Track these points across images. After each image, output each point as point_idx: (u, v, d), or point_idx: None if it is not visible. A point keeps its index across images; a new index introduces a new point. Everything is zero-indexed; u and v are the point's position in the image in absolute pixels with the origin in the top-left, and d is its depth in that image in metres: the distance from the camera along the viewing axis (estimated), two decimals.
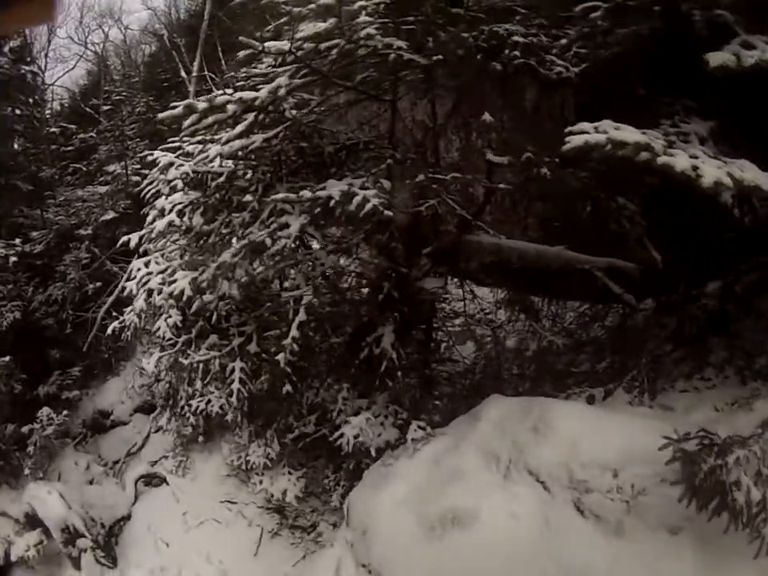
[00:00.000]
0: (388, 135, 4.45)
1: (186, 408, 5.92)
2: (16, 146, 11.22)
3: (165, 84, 13.00)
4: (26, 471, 6.42)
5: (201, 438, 6.58)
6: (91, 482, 6.90)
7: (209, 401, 4.90)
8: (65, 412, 7.23)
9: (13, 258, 8.05)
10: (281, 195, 3.72)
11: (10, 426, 7.01)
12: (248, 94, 3.68)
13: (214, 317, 4.66)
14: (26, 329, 8.31)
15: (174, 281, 4.28)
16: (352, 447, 4.42)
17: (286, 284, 4.52)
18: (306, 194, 3.61)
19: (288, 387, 4.41)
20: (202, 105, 3.75)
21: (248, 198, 4.31)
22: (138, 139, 10.20)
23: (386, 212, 3.54)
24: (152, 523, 6.34)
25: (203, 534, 6.04)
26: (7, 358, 6.31)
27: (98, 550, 5.96)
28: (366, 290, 4.54)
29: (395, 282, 4.50)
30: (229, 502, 6.18)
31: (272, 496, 5.41)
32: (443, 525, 3.47)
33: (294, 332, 3.96)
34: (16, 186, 9.63)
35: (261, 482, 5.32)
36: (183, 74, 12.48)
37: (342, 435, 4.44)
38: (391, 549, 3.72)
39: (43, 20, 0.88)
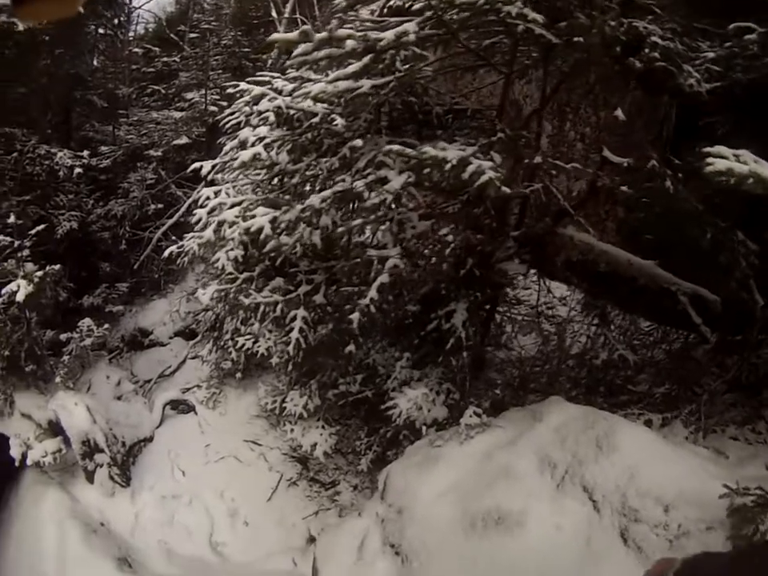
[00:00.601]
0: (498, 108, 4.23)
1: (230, 342, 5.89)
2: (96, 62, 11.29)
3: (254, 21, 12.80)
4: (58, 379, 6.39)
5: (238, 375, 6.58)
6: (119, 398, 6.88)
7: (256, 340, 4.78)
8: (106, 325, 7.22)
9: (77, 170, 7.98)
10: (395, 147, 3.52)
11: (49, 331, 7.03)
12: (374, 33, 3.46)
13: (280, 259, 4.53)
14: (81, 240, 8.37)
15: (253, 216, 4.12)
16: (402, 421, 4.28)
17: (375, 240, 4.36)
18: (421, 150, 3.40)
19: (352, 347, 4.25)
20: (319, 35, 3.55)
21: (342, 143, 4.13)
22: (220, 71, 10.08)
23: (503, 188, 3.32)
24: (172, 450, 6.35)
25: (221, 470, 6.05)
26: (57, 266, 6.17)
27: (114, 467, 5.95)
28: (448, 261, 4.34)
29: (479, 259, 4.32)
30: (253, 442, 6.18)
31: (299, 447, 5.32)
32: (486, 523, 3.31)
33: (373, 293, 3.76)
34: (91, 101, 9.65)
35: (292, 430, 5.21)
36: (274, 13, 12.22)
37: (394, 406, 4.28)
38: (426, 536, 3.56)
39: (66, 13, 0.92)
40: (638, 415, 4.41)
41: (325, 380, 5.04)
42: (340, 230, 3.99)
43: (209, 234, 4.49)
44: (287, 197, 4.48)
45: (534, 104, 4.57)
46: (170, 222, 8.02)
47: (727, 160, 2.90)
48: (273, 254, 4.60)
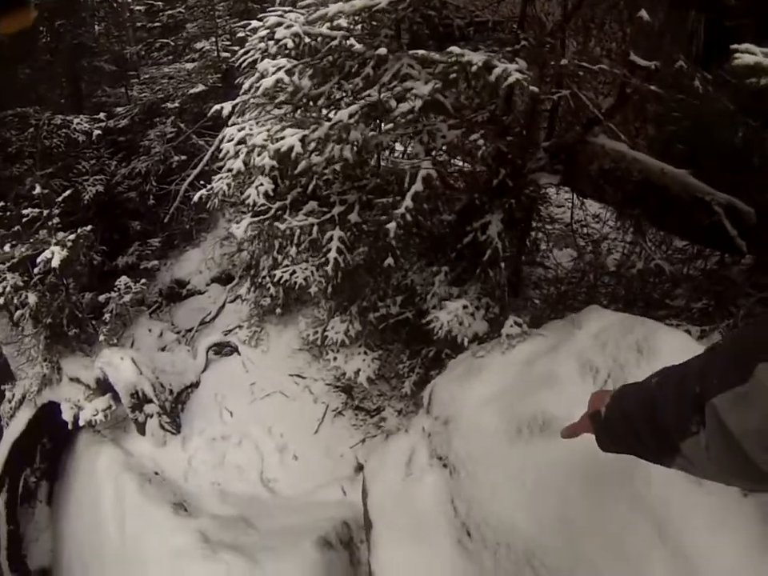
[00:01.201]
0: (519, 20, 4.12)
1: (268, 278, 5.90)
2: (98, 28, 11.11)
3: None
4: (101, 338, 6.49)
5: (278, 311, 6.61)
6: (163, 349, 7.00)
7: (293, 272, 4.76)
8: (142, 280, 7.28)
9: (96, 132, 7.98)
10: (420, 52, 3.44)
11: (87, 295, 7.12)
12: None
13: (312, 184, 4.50)
14: (109, 202, 8.42)
15: (282, 138, 4.08)
16: (443, 334, 4.22)
17: (406, 150, 4.28)
18: (446, 52, 3.32)
19: (390, 260, 4.17)
20: None
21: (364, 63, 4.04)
22: (227, 17, 9.91)
23: (532, 87, 3.25)
24: (219, 392, 6.45)
25: (268, 407, 6.14)
26: (88, 227, 6.21)
27: (163, 415, 6.07)
28: (480, 171, 4.28)
29: (511, 169, 4.26)
30: (298, 376, 6.25)
31: (343, 374, 5.33)
32: (531, 429, 3.26)
33: (408, 201, 3.70)
34: (99, 68, 9.70)
35: (335, 359, 5.21)
36: None
37: (435, 319, 4.23)
38: (473, 444, 3.51)
39: (22, 26, 1.10)
40: (676, 326, 4.36)
41: (365, 304, 5.01)
42: (371, 143, 3.94)
43: (238, 163, 4.42)
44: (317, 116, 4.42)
45: (557, 20, 4.47)
46: (195, 171, 7.99)
47: (755, 56, 2.82)
48: (304, 181, 4.59)
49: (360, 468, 5.45)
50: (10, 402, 6.77)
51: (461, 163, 4.83)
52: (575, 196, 5.31)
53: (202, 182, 7.16)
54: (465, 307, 4.26)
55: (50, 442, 7.27)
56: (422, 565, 3.44)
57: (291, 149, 3.92)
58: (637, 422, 1.54)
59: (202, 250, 8.25)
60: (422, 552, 3.48)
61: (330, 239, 4.20)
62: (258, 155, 4.33)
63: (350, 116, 3.72)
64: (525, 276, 5.32)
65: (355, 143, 3.88)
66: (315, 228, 4.28)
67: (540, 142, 4.54)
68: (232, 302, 7.37)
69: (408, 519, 3.69)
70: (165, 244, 8.67)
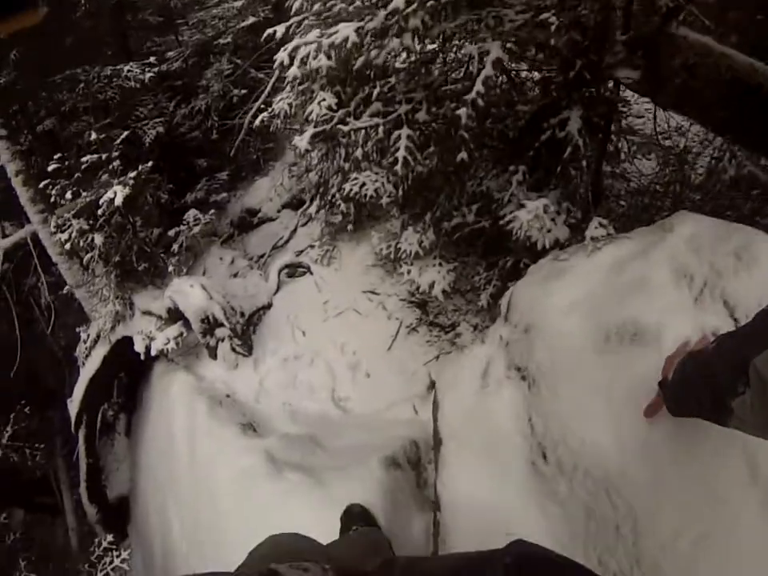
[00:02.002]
0: None
1: (337, 194, 5.80)
2: None
3: None
4: (170, 269, 6.55)
5: (350, 227, 6.52)
6: (235, 276, 7.01)
7: (363, 183, 4.63)
8: (211, 212, 7.33)
9: (149, 74, 7.89)
10: None
11: (155, 231, 7.16)
12: None
13: (376, 90, 4.34)
14: (172, 143, 8.42)
15: (336, 32, 3.90)
16: (523, 235, 4.03)
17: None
18: None
19: (463, 154, 3.93)
20: None
21: None
22: None
23: None
24: (291, 312, 6.42)
25: (340, 324, 6.07)
26: (149, 164, 6.21)
27: (235, 338, 6.08)
28: (554, 60, 4.03)
29: (587, 62, 3.99)
30: (371, 292, 6.15)
31: (417, 288, 5.19)
32: (620, 338, 3.01)
33: (479, 86, 3.47)
34: (145, 21, 9.51)
35: (408, 272, 5.07)
36: None
37: (514, 218, 4.02)
38: (556, 354, 3.29)
39: (29, 24, 1.11)
40: None
41: (438, 214, 4.85)
42: (433, 31, 3.74)
43: (293, 70, 4.29)
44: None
45: None
46: (257, 103, 7.87)
47: None
48: (367, 90, 4.43)
49: (433, 385, 5.34)
50: (85, 342, 6.94)
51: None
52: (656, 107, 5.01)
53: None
54: (546, 207, 4.02)
55: (127, 376, 7.59)
56: (490, 488, 3.31)
57: (346, 40, 3.76)
58: (697, 386, 1.66)
59: (271, 178, 8.13)
60: (492, 473, 3.36)
61: (398, 138, 4.04)
62: (314, 58, 4.19)
63: (408, 3, 3.53)
64: (605, 187, 5.05)
65: (416, 32, 3.67)
66: (381, 128, 4.13)
67: (616, 36, 4.24)
68: (304, 225, 7.26)
69: (480, 437, 3.55)
70: (233, 176, 8.61)
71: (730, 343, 1.53)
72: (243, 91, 8.48)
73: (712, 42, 4.24)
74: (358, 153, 4.32)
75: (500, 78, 4.06)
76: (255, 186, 8.37)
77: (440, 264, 4.97)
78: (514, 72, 4.66)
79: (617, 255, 3.48)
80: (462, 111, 3.48)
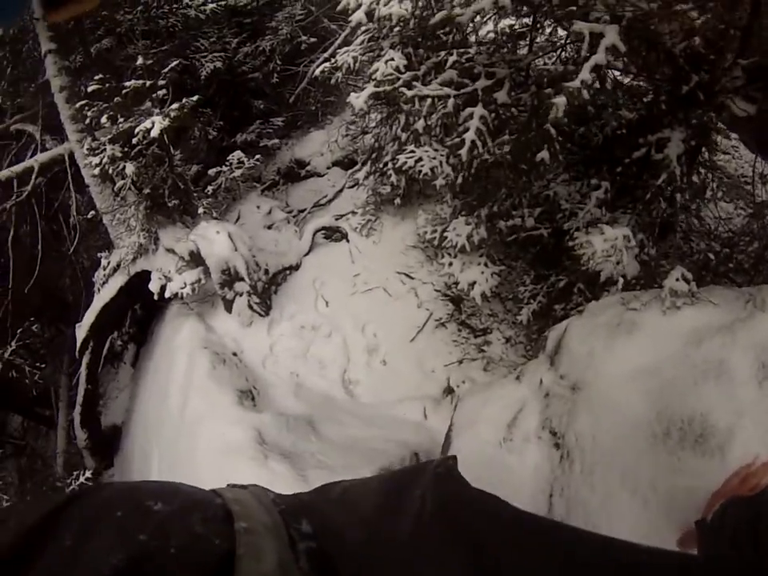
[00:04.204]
0: None
1: (390, 164, 5.38)
2: None
3: None
4: (200, 210, 6.21)
5: (397, 201, 6.09)
6: (269, 228, 6.68)
7: (419, 159, 4.18)
8: (257, 156, 6.90)
9: (215, 5, 7.49)
10: None
11: (193, 167, 6.87)
12: None
13: (452, 58, 3.85)
14: (230, 81, 8.05)
15: None
16: (593, 266, 3.51)
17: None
18: None
19: (545, 154, 3.41)
20: None
21: None
22: None
23: None
24: (318, 278, 6.06)
25: (367, 302, 5.69)
26: (195, 98, 5.85)
27: (253, 295, 5.77)
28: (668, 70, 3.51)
29: (706, 79, 3.46)
30: (406, 275, 5.75)
31: (455, 284, 4.73)
32: (683, 436, 2.46)
33: (585, 74, 2.88)
34: None
35: (450, 264, 4.61)
36: None
37: (587, 244, 3.47)
38: (601, 429, 2.74)
39: (89, 8, 1.13)
40: None
41: (496, 209, 4.36)
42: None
43: (359, 15, 3.84)
44: None
45: None
46: (325, 55, 7.46)
47: None
48: (443, 54, 3.96)
49: (449, 390, 4.94)
50: (104, 269, 6.76)
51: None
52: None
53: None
54: (626, 239, 3.49)
55: (142, 308, 7.50)
56: None
57: None
58: (739, 533, 1.45)
59: (326, 132, 7.79)
60: None
61: (470, 117, 3.55)
62: (385, 3, 3.72)
63: None
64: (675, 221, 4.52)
65: None
66: (451, 102, 3.63)
67: (739, 60, 3.68)
68: (351, 187, 6.87)
69: None
70: (288, 124, 8.27)
71: None
72: (313, 40, 8.09)
73: None
74: (419, 124, 3.85)
75: (607, 73, 3.52)
76: (309, 137, 8.04)
77: (486, 264, 4.49)
78: (619, 71, 4.10)
79: (697, 323, 2.82)
80: (560, 101, 2.89)
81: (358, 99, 4.05)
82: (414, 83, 3.76)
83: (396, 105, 4.07)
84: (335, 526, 0.86)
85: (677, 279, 3.06)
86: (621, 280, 3.60)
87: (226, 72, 7.93)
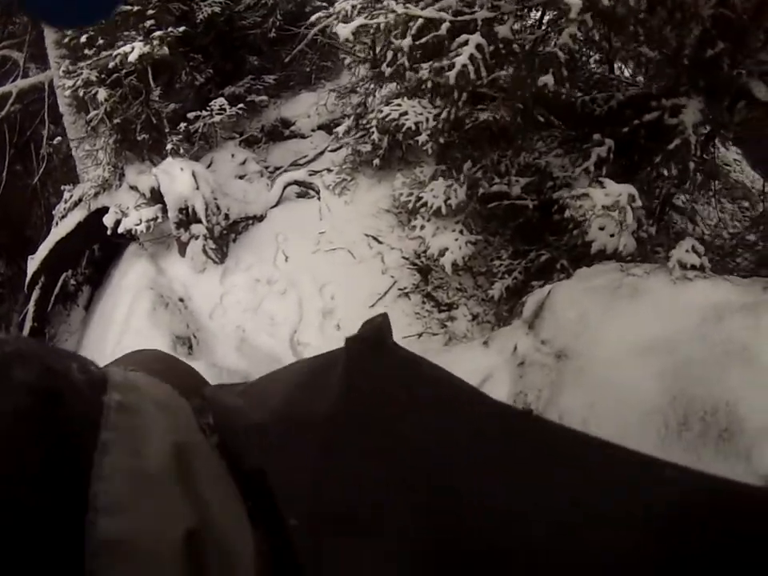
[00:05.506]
0: None
1: (374, 121, 5.00)
2: None
3: None
4: (168, 147, 5.81)
5: (376, 162, 5.71)
6: (241, 178, 6.31)
7: (405, 112, 3.86)
8: (239, 105, 6.59)
9: None
10: None
11: (171, 105, 6.48)
12: None
13: None
14: (227, 33, 7.69)
15: None
16: (585, 221, 3.17)
17: None
18: None
19: (549, 78, 3.08)
20: None
21: None
22: None
23: None
24: (282, 232, 5.68)
25: (329, 262, 5.32)
26: (181, 28, 5.73)
27: (209, 240, 5.41)
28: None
29: (730, 47, 3.14)
30: (374, 238, 5.37)
31: (425, 251, 4.41)
32: (705, 429, 2.11)
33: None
34: None
35: (422, 227, 4.25)
36: None
37: (584, 197, 3.12)
38: (598, 409, 2.36)
39: None
40: None
41: (478, 174, 3.99)
42: None
43: None
44: None
45: None
46: (329, 19, 7.13)
47: None
48: None
49: None
50: (66, 202, 6.44)
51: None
52: None
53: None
54: (631, 197, 3.10)
55: (101, 250, 7.06)
56: None
57: None
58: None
59: (317, 95, 7.45)
60: None
61: (465, 43, 3.17)
62: None
63: None
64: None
65: None
66: (446, 26, 3.27)
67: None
68: (333, 150, 6.53)
69: None
70: (280, 83, 7.88)
71: None
72: (319, 3, 7.71)
73: None
74: (406, 42, 3.46)
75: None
76: (298, 98, 7.72)
77: (461, 232, 4.11)
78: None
79: (716, 298, 2.47)
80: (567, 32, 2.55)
81: (345, 29, 3.74)
82: (408, 6, 3.42)
83: (384, 31, 3.69)
84: (238, 418, 0.59)
85: (686, 251, 2.75)
86: (609, 256, 3.25)
87: (225, 23, 7.58)
